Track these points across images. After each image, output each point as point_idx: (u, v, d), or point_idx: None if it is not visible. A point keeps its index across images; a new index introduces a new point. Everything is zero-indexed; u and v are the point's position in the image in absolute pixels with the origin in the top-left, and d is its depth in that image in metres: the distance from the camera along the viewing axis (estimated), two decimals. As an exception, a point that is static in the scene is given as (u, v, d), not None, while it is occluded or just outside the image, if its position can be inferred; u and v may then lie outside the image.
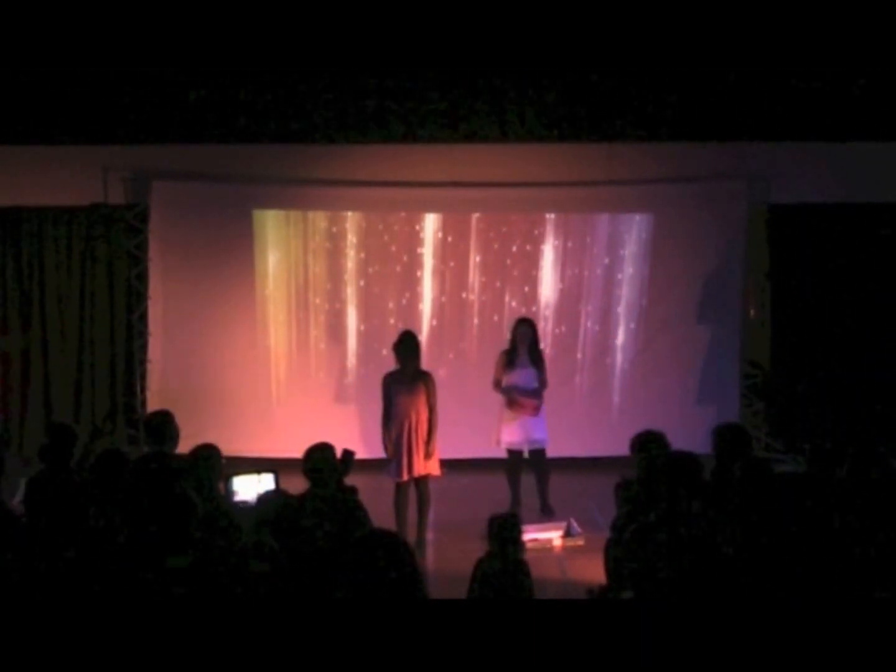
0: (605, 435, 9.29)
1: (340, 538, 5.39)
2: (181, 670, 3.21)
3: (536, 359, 8.18)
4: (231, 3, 6.89)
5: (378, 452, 7.73)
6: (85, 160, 9.57)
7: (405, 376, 7.56)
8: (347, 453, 6.29)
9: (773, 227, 9.80)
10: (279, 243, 9.83)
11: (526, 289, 9.87)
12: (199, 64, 7.74)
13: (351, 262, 9.82)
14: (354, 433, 8.94)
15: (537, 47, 7.47)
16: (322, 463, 5.72)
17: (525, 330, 8.20)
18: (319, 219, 9.82)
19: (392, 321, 9.72)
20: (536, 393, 8.12)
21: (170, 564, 4.20)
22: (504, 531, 5.23)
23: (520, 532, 5.41)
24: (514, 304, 9.88)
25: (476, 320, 9.91)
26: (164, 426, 6.31)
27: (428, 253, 9.84)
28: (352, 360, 9.92)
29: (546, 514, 8.02)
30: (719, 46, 7.38)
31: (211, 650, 3.23)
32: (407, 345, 7.59)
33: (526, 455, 8.20)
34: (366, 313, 9.87)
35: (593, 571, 5.85)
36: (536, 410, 8.06)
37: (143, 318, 9.79)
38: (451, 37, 7.24)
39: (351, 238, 9.82)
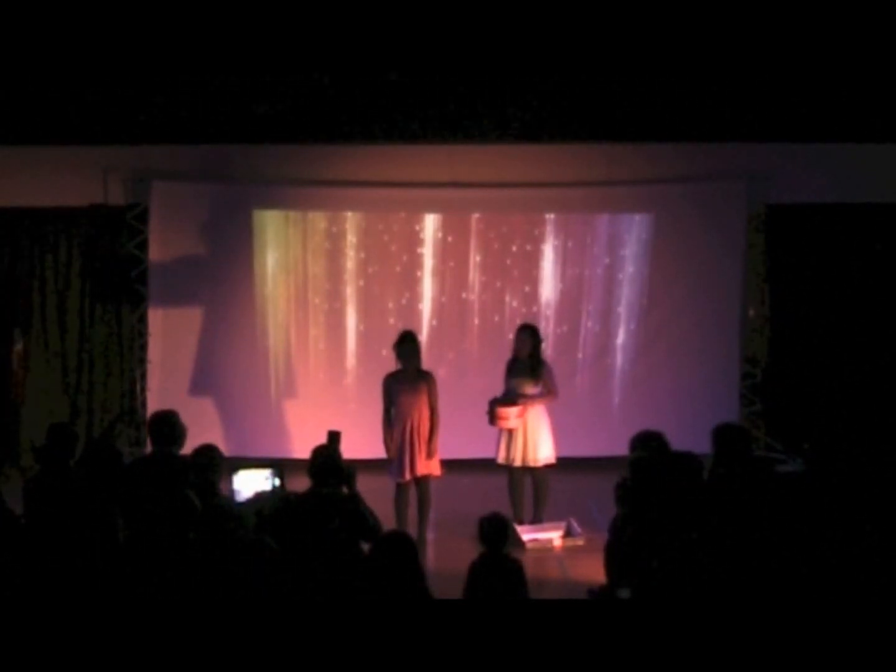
0: (605, 435, 9.28)
1: (341, 537, 5.40)
2: (183, 670, 3.21)
3: (535, 367, 7.86)
4: (231, 5, 6.90)
5: (378, 452, 7.73)
6: (85, 160, 9.57)
7: (406, 376, 7.56)
8: (332, 434, 6.32)
9: (772, 228, 9.81)
10: (279, 243, 9.83)
11: (526, 289, 9.87)
12: (200, 65, 7.75)
13: (350, 262, 9.82)
14: (354, 433, 8.92)
15: (538, 47, 7.48)
16: (324, 462, 5.72)
17: (523, 338, 7.91)
18: (319, 219, 9.82)
19: (392, 321, 9.72)
20: (514, 400, 7.76)
21: None
22: (494, 531, 5.24)
23: (509, 532, 5.41)
24: (514, 304, 9.88)
25: (476, 320, 9.91)
26: (169, 426, 6.27)
27: (428, 253, 9.84)
28: (351, 360, 9.91)
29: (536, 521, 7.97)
30: (719, 47, 7.39)
31: (213, 649, 3.23)
32: (407, 345, 7.60)
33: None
34: (365, 313, 9.87)
35: (593, 571, 5.86)
36: (518, 417, 7.72)
37: (143, 318, 9.79)
38: (451, 37, 7.24)
39: (351, 238, 9.82)
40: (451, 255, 9.84)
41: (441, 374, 8.88)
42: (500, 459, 7.91)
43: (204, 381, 9.78)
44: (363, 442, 7.91)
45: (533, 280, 9.87)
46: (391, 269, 9.82)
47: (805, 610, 3.68)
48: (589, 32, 7.21)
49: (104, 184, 9.65)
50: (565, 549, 7.59)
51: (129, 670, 3.23)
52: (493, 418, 7.80)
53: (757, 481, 5.27)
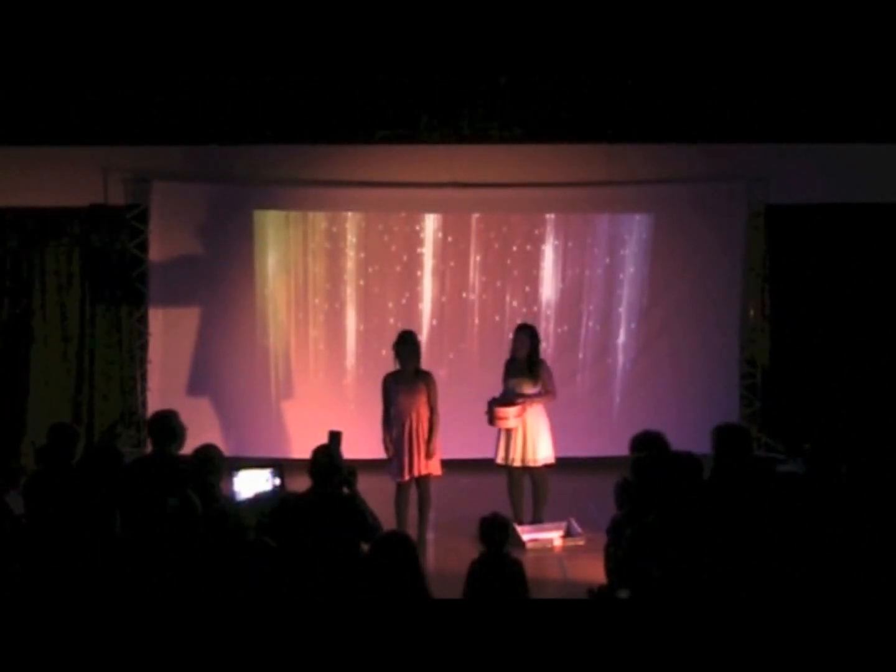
0: (606, 435, 9.28)
1: (341, 537, 5.40)
2: (183, 670, 3.21)
3: (533, 367, 7.86)
4: (230, 5, 6.90)
5: (378, 452, 7.73)
6: (85, 161, 9.57)
7: (406, 376, 7.56)
8: (333, 434, 6.34)
9: (772, 228, 9.81)
10: (279, 243, 9.84)
11: (527, 289, 9.87)
12: (200, 65, 7.75)
13: (351, 262, 9.82)
14: (354, 433, 8.92)
15: (538, 48, 7.49)
16: (324, 462, 5.72)
17: (521, 338, 7.92)
18: (319, 219, 9.82)
19: (392, 321, 9.72)
20: (513, 400, 7.75)
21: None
22: (494, 532, 5.24)
23: (509, 533, 5.41)
24: (514, 303, 9.88)
25: (476, 320, 9.91)
26: (169, 426, 6.27)
27: (428, 253, 9.84)
28: (351, 360, 9.91)
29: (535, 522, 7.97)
30: (719, 48, 7.39)
31: (213, 649, 3.23)
32: (407, 345, 7.60)
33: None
34: (365, 313, 9.87)
35: (593, 571, 5.85)
36: (517, 417, 7.72)
37: (144, 318, 9.79)
38: (451, 37, 7.25)
39: (351, 238, 9.82)
40: (451, 255, 9.84)
41: (441, 374, 8.90)
42: (499, 460, 7.92)
43: (204, 381, 9.78)
44: (363, 442, 7.91)
45: (533, 280, 9.87)
46: (391, 269, 9.82)
47: (805, 610, 3.68)
48: (589, 33, 7.21)
49: (104, 184, 9.65)
50: (565, 549, 7.59)
51: (129, 670, 3.23)
52: (491, 418, 7.80)
53: (757, 481, 5.27)
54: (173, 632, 3.29)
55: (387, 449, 7.61)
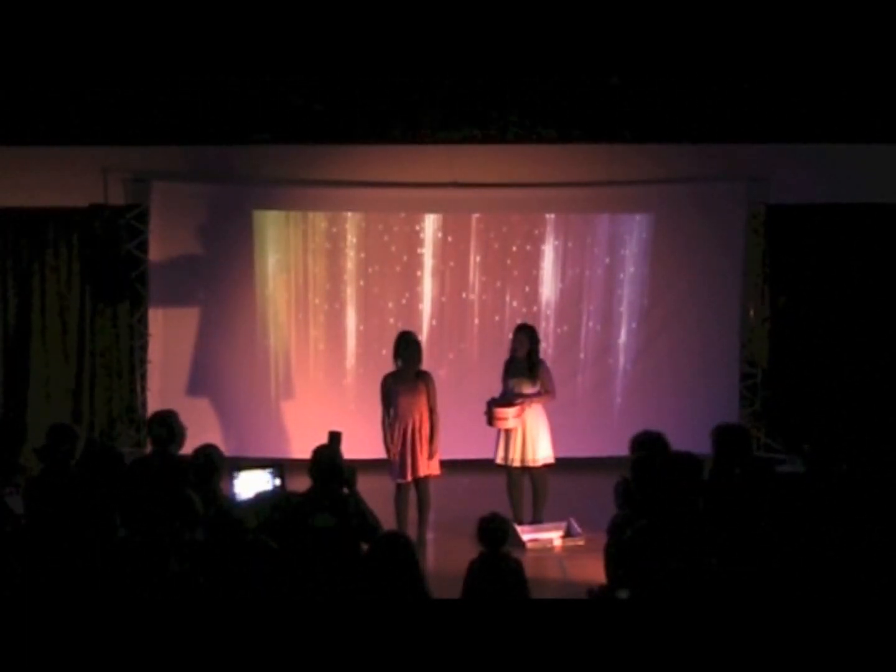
0: (606, 435, 9.27)
1: (341, 537, 5.40)
2: (183, 670, 3.21)
3: (533, 367, 7.85)
4: (230, 5, 6.90)
5: (378, 452, 7.73)
6: (85, 161, 9.57)
7: (406, 377, 7.55)
8: (333, 435, 6.34)
9: (772, 228, 9.81)
10: (279, 244, 9.84)
11: (527, 289, 9.86)
12: (200, 65, 7.75)
13: (351, 262, 9.82)
14: (354, 433, 8.91)
15: (538, 48, 7.49)
16: (325, 463, 5.72)
17: (521, 338, 7.91)
18: (319, 219, 9.82)
19: (392, 321, 9.72)
20: (512, 400, 7.74)
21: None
22: (493, 532, 5.24)
23: (508, 533, 5.41)
24: (514, 304, 9.87)
25: (476, 320, 9.91)
26: (168, 426, 6.28)
27: (428, 253, 9.84)
28: (351, 360, 9.91)
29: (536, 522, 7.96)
30: (719, 48, 7.40)
31: (213, 649, 3.23)
32: (409, 345, 7.59)
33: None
34: (365, 313, 9.87)
35: (593, 571, 5.85)
36: (516, 417, 7.71)
37: (144, 318, 9.79)
38: (451, 37, 7.25)
39: (351, 238, 9.82)
40: (451, 255, 9.84)
41: (441, 374, 8.90)
42: (499, 460, 7.91)
43: (204, 381, 9.78)
44: (363, 442, 7.91)
45: (533, 280, 9.87)
46: (391, 269, 9.82)
47: (805, 610, 3.68)
48: (589, 33, 7.21)
49: (104, 184, 9.65)
50: (565, 549, 7.59)
51: (129, 670, 3.23)
52: (491, 419, 7.80)
53: (757, 481, 5.27)
54: (174, 632, 3.29)
55: (388, 450, 7.61)
